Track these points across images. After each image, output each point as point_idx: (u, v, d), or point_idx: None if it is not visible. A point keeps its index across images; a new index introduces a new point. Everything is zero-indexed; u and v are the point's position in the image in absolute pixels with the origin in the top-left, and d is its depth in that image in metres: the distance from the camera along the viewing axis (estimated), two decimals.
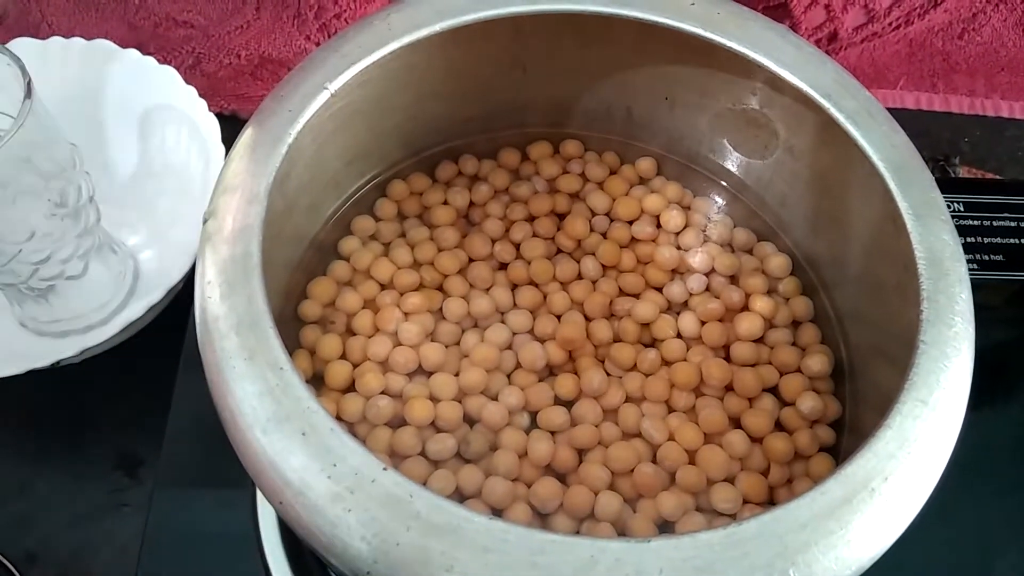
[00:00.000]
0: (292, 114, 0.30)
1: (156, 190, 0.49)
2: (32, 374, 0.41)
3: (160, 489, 0.40)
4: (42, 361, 0.40)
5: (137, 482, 0.44)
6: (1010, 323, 0.47)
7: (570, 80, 0.39)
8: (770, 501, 0.33)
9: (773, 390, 0.36)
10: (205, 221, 0.28)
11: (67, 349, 0.41)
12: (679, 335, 0.37)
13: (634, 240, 0.39)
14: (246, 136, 0.30)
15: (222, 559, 0.39)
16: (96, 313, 0.45)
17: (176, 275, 0.43)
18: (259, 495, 0.39)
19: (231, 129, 0.30)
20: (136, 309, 0.42)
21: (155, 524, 0.39)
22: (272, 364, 0.25)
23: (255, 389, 0.24)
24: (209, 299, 0.26)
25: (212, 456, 0.40)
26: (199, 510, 0.40)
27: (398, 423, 0.33)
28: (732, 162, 0.40)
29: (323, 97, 0.31)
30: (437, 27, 0.32)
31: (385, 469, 0.23)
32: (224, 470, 0.40)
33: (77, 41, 0.48)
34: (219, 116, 0.47)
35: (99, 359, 0.44)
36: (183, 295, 0.45)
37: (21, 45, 0.47)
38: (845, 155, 0.32)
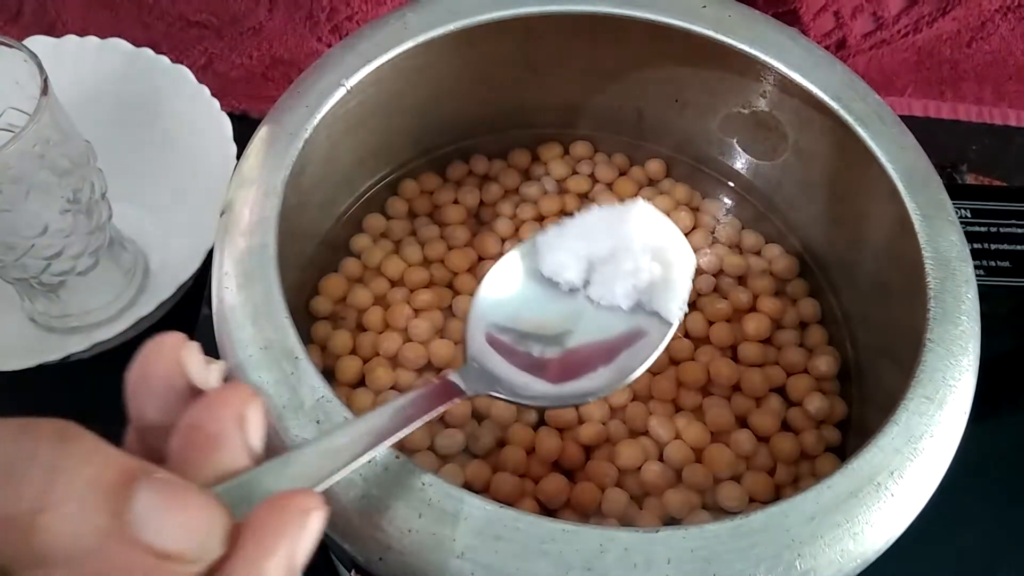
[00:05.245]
0: (309, 110, 0.30)
1: (168, 188, 0.49)
2: (42, 369, 0.41)
3: None
4: (52, 355, 0.40)
5: None
6: (1016, 333, 0.47)
7: (580, 82, 0.39)
8: (776, 500, 0.33)
9: (780, 390, 0.36)
10: (222, 214, 0.28)
11: (77, 344, 0.41)
12: (687, 335, 0.37)
13: None
14: (263, 132, 0.30)
15: None
16: (106, 309, 0.45)
17: (186, 272, 0.43)
18: None
19: (242, 128, 0.31)
20: (146, 306, 0.42)
21: None
22: (287, 353, 0.25)
23: (271, 377, 0.25)
24: (226, 289, 0.26)
25: None
26: None
27: None
28: (741, 164, 0.40)
29: (339, 94, 0.31)
30: (451, 26, 0.32)
31: (397, 457, 0.23)
32: None
33: (91, 40, 0.49)
34: (230, 115, 0.47)
35: (109, 355, 0.44)
36: (193, 292, 0.45)
37: (36, 43, 0.47)
38: (854, 157, 0.33)
